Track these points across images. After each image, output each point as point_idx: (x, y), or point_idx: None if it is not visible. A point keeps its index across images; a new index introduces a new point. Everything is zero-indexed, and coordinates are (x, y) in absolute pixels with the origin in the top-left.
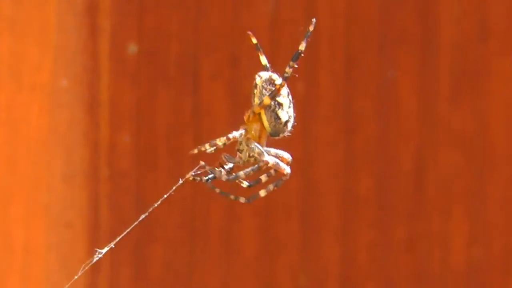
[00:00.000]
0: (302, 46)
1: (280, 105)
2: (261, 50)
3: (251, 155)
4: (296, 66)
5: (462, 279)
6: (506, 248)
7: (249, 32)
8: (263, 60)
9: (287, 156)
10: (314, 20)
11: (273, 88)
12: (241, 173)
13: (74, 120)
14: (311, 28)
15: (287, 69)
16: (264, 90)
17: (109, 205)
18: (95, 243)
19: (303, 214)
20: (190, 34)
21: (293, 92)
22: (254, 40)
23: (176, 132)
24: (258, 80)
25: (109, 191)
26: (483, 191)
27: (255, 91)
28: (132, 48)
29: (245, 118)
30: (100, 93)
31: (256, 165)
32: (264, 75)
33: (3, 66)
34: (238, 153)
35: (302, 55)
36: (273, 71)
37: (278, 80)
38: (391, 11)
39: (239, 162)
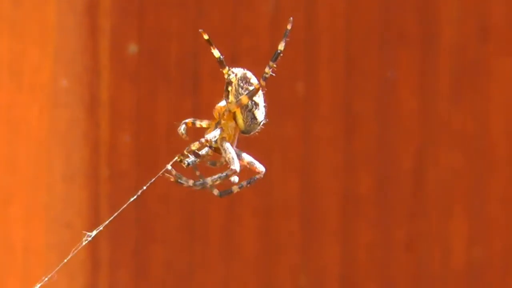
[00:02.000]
0: (281, 46)
1: (256, 105)
2: (213, 44)
3: (223, 156)
4: (275, 66)
5: (462, 279)
6: (506, 248)
7: (201, 30)
8: (216, 53)
9: (261, 168)
10: (291, 18)
11: (250, 87)
12: (209, 179)
13: (74, 120)
14: (289, 27)
15: (267, 70)
16: (240, 89)
17: (109, 205)
18: (95, 243)
19: (303, 214)
20: (190, 34)
21: (293, 92)
22: (206, 36)
23: (176, 132)
24: (232, 77)
25: (109, 191)
26: (483, 191)
27: (230, 88)
28: (132, 48)
29: (216, 113)
30: (100, 93)
31: (224, 173)
32: (239, 72)
33: (3, 66)
34: (208, 148)
35: (281, 55)
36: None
37: (254, 79)
38: (391, 11)
39: (206, 159)
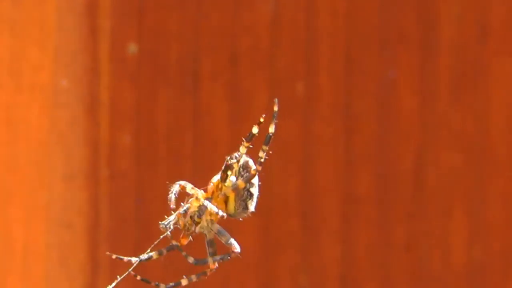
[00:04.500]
0: (272, 129)
1: (251, 195)
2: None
3: (207, 235)
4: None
5: (462, 279)
6: (506, 248)
7: (275, 100)
8: (255, 130)
9: (237, 249)
10: (276, 100)
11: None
12: (210, 259)
13: (74, 120)
14: (276, 108)
15: (261, 154)
16: (240, 177)
17: (109, 205)
18: (95, 243)
19: (303, 214)
20: (190, 34)
21: (293, 92)
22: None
23: (176, 132)
24: (234, 163)
25: (109, 191)
26: (483, 191)
27: (229, 172)
28: (132, 48)
29: (211, 188)
30: (100, 93)
31: (227, 256)
32: (242, 159)
33: (3, 66)
34: (193, 222)
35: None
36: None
37: (254, 168)
38: (391, 11)
39: (190, 230)
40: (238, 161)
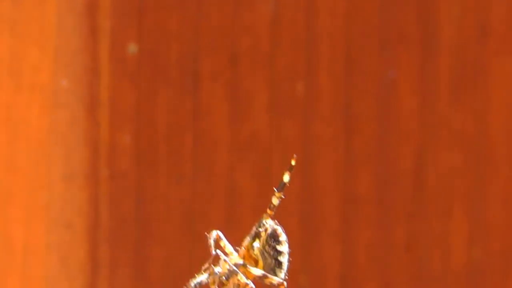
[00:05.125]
0: (286, 178)
1: (280, 264)
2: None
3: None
4: (283, 196)
5: (462, 279)
6: (506, 248)
7: (295, 156)
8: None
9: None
10: (295, 155)
11: (277, 245)
12: None
13: (74, 120)
14: (293, 162)
15: (274, 200)
16: (267, 247)
17: (109, 205)
18: (95, 243)
19: (303, 214)
20: (190, 34)
21: (293, 92)
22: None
23: (176, 132)
24: (262, 231)
25: (109, 191)
26: (483, 191)
27: (257, 240)
28: (132, 48)
29: (241, 255)
30: (100, 93)
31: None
32: (270, 226)
33: (3, 66)
34: (220, 283)
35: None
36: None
37: (283, 236)
38: (391, 11)
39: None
40: (266, 230)
